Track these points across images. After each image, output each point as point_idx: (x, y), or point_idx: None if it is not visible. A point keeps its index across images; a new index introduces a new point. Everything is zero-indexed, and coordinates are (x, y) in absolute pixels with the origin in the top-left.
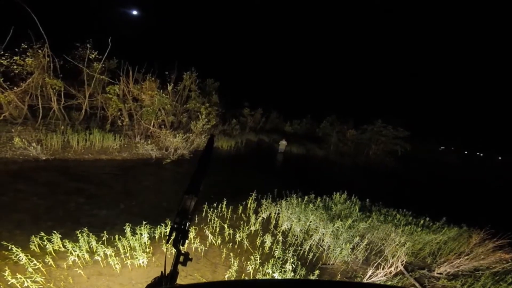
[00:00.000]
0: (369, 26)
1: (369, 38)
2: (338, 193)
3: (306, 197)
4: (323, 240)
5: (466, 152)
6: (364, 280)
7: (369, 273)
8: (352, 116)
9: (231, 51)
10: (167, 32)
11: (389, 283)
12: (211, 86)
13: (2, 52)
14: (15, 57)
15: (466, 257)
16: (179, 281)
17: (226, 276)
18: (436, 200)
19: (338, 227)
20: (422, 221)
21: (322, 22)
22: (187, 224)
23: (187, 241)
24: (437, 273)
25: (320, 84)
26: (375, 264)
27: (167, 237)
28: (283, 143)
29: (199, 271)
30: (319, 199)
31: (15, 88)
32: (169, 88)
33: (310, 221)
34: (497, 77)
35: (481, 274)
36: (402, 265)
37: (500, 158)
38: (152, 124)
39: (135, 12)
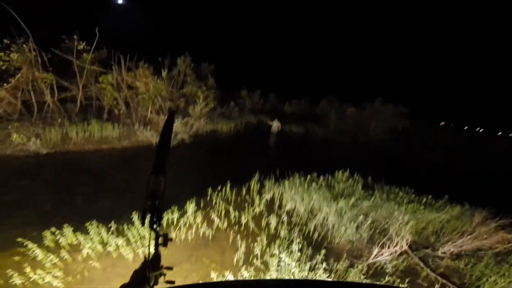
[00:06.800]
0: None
1: (367, 18)
2: (340, 172)
3: (308, 176)
4: (327, 219)
5: (466, 128)
6: (370, 260)
7: (375, 252)
8: (349, 97)
9: (226, 33)
10: (156, 19)
11: (394, 262)
12: (207, 70)
13: None
14: None
15: (469, 236)
16: (189, 274)
17: (235, 259)
18: (437, 177)
19: (342, 206)
20: (424, 199)
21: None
22: (159, 204)
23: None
24: (441, 253)
25: (318, 65)
26: (380, 243)
27: (141, 220)
28: (275, 124)
29: (208, 257)
30: (321, 178)
31: (4, 84)
32: (164, 73)
33: (314, 200)
34: (493, 53)
35: (484, 254)
36: (407, 244)
37: (500, 133)
38: (149, 111)
39: (120, 1)
